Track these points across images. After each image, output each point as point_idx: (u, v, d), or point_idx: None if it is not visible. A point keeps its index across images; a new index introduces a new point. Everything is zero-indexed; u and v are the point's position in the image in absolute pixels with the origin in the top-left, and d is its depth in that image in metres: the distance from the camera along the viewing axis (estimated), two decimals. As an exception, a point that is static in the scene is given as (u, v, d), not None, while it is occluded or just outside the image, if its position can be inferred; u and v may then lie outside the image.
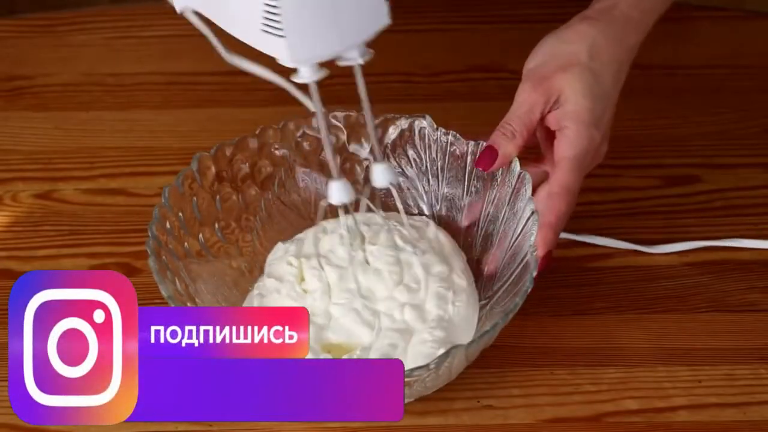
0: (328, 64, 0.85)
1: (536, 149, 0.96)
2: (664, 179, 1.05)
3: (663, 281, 0.96)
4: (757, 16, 1.21)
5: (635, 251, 0.98)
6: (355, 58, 0.83)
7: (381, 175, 0.88)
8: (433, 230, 0.94)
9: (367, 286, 0.90)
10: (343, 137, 0.97)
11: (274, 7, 0.78)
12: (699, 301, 0.95)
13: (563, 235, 0.99)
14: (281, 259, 0.93)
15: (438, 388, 0.87)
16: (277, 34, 0.79)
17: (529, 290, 0.85)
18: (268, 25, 0.79)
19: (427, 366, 0.82)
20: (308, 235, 0.94)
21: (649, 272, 0.97)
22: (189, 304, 0.87)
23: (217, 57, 0.83)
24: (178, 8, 0.84)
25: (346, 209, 0.88)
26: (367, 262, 0.90)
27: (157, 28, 1.19)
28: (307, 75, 0.82)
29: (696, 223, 1.01)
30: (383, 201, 0.94)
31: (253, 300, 0.91)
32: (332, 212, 0.93)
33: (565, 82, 0.91)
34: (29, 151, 1.08)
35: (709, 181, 1.05)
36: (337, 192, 0.87)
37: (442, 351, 0.85)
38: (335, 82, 1.12)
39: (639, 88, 1.13)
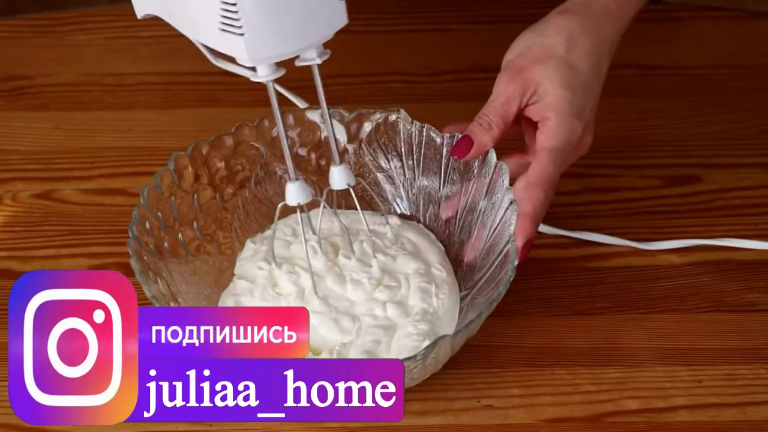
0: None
1: (520, 141, 0.96)
2: (664, 179, 1.05)
3: (663, 281, 0.96)
4: (757, 16, 1.21)
5: (635, 251, 0.98)
6: (313, 58, 0.84)
7: (338, 177, 0.90)
8: (405, 230, 0.95)
9: (346, 296, 0.90)
10: (320, 134, 0.97)
11: (232, 5, 0.79)
12: (699, 301, 0.95)
13: (563, 234, 0.99)
14: (251, 259, 0.93)
15: (423, 380, 0.87)
16: (235, 33, 0.80)
17: (512, 278, 0.85)
18: (226, 24, 0.80)
19: (414, 357, 0.82)
20: (278, 233, 0.94)
21: (649, 272, 0.97)
22: (172, 304, 0.87)
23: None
24: (139, 14, 0.85)
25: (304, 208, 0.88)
26: (343, 276, 0.91)
27: (157, 28, 1.19)
28: (265, 74, 0.83)
29: (696, 223, 1.01)
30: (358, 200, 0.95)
31: (228, 300, 0.91)
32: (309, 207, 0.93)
33: (542, 75, 0.91)
34: (29, 151, 1.08)
35: (709, 181, 1.05)
36: (294, 193, 0.87)
37: (427, 343, 0.86)
38: (335, 82, 1.12)
39: (639, 88, 1.13)
